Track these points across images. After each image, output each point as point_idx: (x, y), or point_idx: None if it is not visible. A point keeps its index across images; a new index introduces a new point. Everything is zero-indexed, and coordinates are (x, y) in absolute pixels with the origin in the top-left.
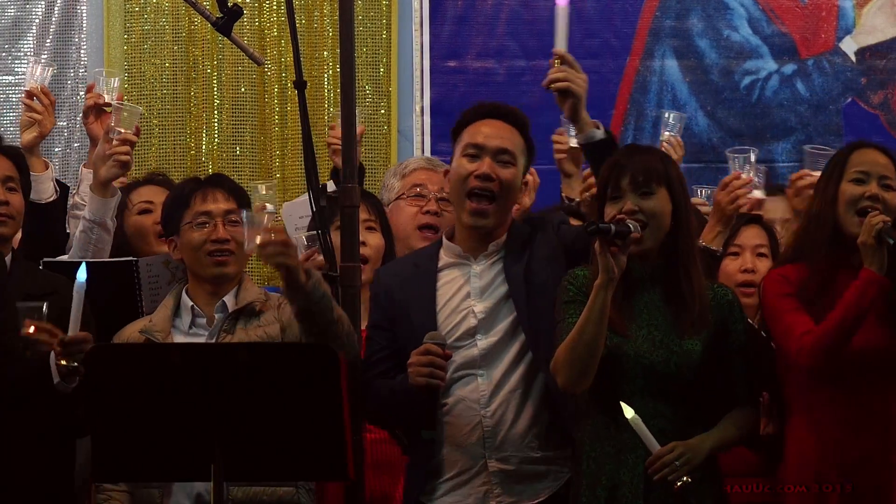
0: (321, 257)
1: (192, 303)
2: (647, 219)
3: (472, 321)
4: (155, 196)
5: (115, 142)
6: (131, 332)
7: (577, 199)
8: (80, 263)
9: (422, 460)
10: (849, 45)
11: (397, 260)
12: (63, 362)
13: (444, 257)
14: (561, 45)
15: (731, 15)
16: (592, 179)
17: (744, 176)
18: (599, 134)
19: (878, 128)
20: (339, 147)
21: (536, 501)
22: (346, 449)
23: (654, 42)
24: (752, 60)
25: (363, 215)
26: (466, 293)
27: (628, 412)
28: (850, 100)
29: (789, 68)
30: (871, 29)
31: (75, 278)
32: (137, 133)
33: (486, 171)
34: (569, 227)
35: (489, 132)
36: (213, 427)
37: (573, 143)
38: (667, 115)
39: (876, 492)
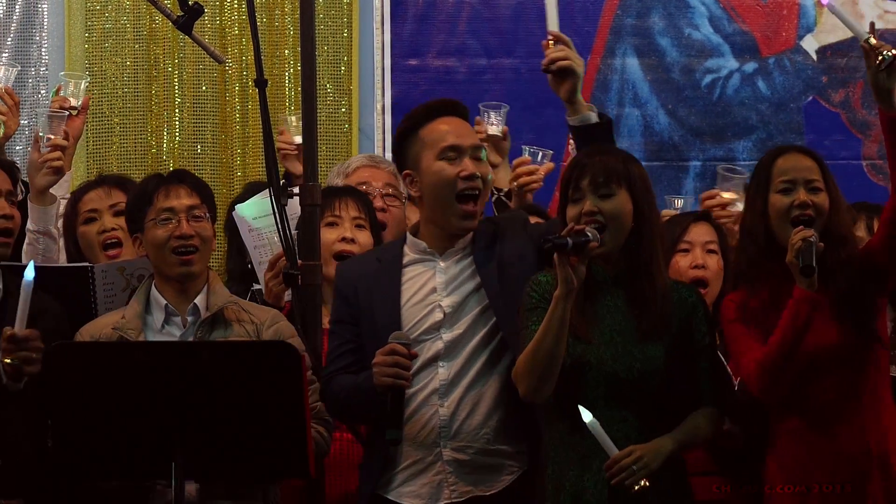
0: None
1: (164, 300)
2: (606, 220)
3: (438, 315)
4: (100, 202)
5: (45, 148)
6: (103, 328)
7: (506, 190)
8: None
9: (377, 453)
10: (810, 44)
11: (359, 255)
12: (7, 360)
13: (408, 253)
14: (553, 26)
15: (693, 13)
16: (521, 169)
17: (725, 195)
18: (594, 117)
19: (838, 126)
20: (290, 152)
21: (491, 492)
22: (307, 447)
23: (615, 40)
24: (713, 59)
25: (353, 213)
26: (432, 288)
27: (586, 416)
28: (810, 98)
29: (750, 66)
30: (832, 27)
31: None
32: (85, 108)
33: (473, 171)
34: (536, 226)
35: (463, 130)
36: (175, 425)
37: (492, 130)
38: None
39: (854, 486)
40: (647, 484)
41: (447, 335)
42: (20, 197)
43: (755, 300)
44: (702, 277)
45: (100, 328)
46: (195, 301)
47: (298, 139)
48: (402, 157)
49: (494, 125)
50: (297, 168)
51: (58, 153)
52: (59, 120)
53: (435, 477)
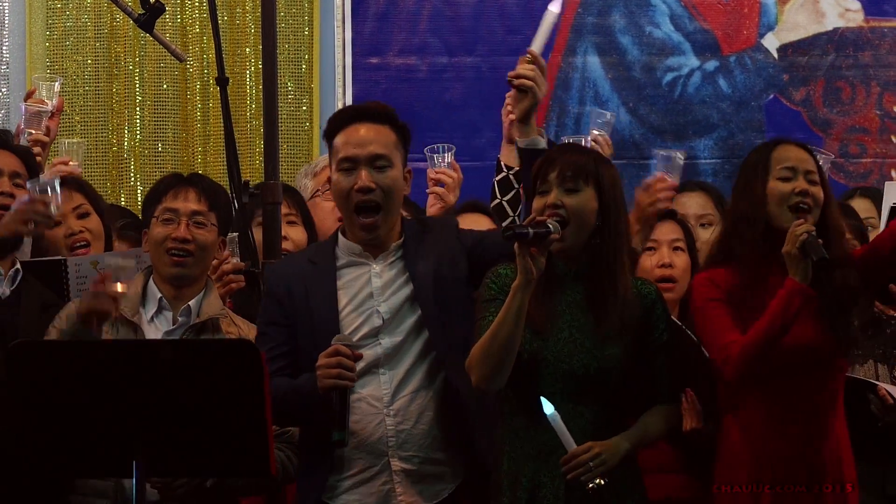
0: (235, 260)
1: (160, 294)
2: (568, 215)
3: (376, 321)
4: (64, 204)
5: (27, 142)
6: None
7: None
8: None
9: (320, 459)
10: (771, 42)
11: (290, 256)
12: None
13: (341, 255)
14: (537, 46)
15: (653, 12)
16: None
17: (668, 179)
18: (542, 143)
19: (800, 124)
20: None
21: (435, 502)
22: (267, 445)
23: (576, 39)
24: (674, 57)
25: (284, 209)
26: (369, 293)
27: (548, 408)
28: (772, 96)
29: (711, 65)
30: (793, 25)
31: None
32: (59, 109)
33: (365, 185)
34: (469, 232)
35: (360, 139)
36: (136, 423)
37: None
38: (599, 113)
39: (809, 489)
40: (603, 482)
41: (386, 341)
42: None
43: (739, 280)
44: (669, 276)
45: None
46: (190, 303)
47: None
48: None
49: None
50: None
51: (37, 148)
52: (38, 116)
53: (383, 486)
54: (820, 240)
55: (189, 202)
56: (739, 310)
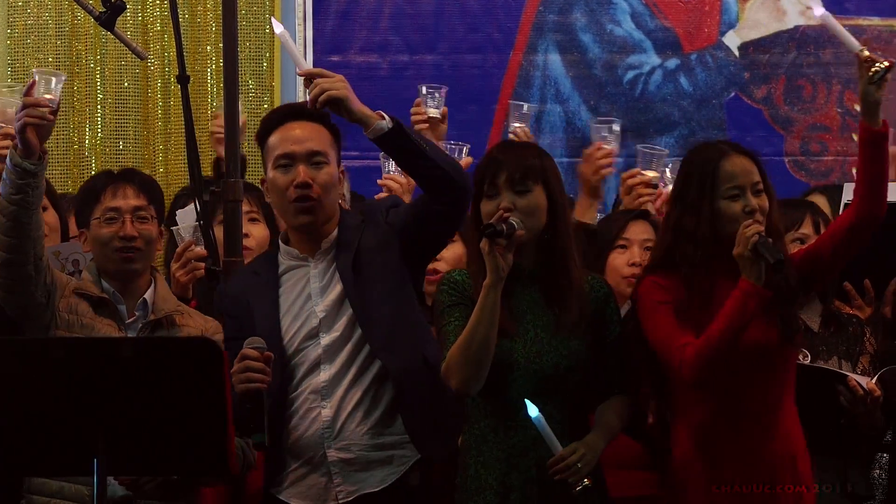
0: (199, 248)
1: (112, 289)
2: (522, 216)
3: (314, 322)
4: None
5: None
6: (65, 284)
7: None
8: None
9: (269, 453)
10: (732, 40)
11: (236, 273)
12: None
13: (283, 261)
14: (301, 66)
15: (614, 10)
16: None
17: (605, 146)
18: (386, 125)
19: (761, 122)
20: (222, 136)
21: (381, 487)
22: (227, 444)
23: (537, 36)
24: (635, 55)
25: (246, 207)
26: (308, 295)
27: (532, 411)
28: (733, 94)
29: (672, 63)
30: (754, 23)
31: None
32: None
33: (303, 180)
34: (397, 210)
35: (296, 137)
36: (97, 421)
37: (431, 112)
38: (517, 105)
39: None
40: (589, 483)
41: (325, 339)
42: None
43: (683, 290)
44: (639, 275)
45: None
46: (145, 297)
47: None
48: (263, 162)
49: (433, 107)
50: None
51: (7, 142)
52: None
53: (320, 479)
54: (769, 239)
55: (129, 199)
56: (686, 314)
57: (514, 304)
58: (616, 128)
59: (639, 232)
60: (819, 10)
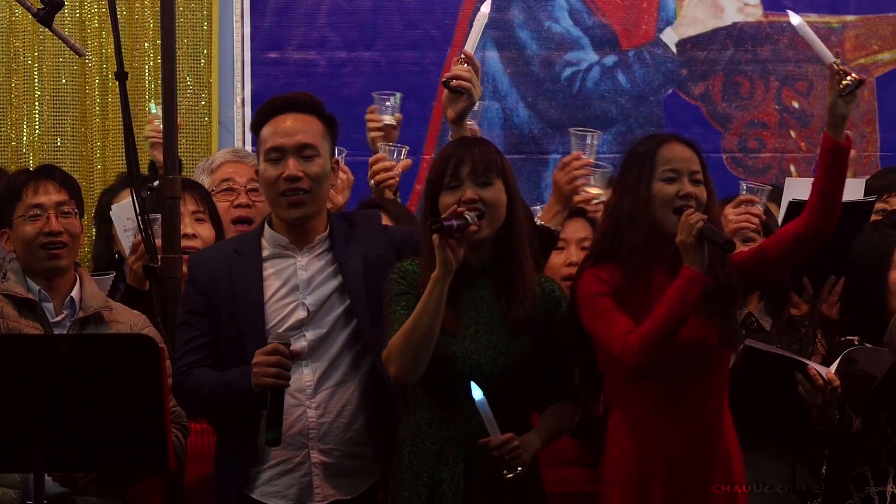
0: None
1: (38, 287)
2: (485, 208)
3: (301, 313)
4: None
5: None
6: None
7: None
8: None
9: (241, 451)
10: (669, 37)
11: (214, 246)
12: None
13: (267, 247)
14: (471, 47)
15: (552, 6)
16: (378, 166)
17: (584, 157)
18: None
19: (698, 119)
20: (159, 140)
21: (352, 496)
22: (166, 440)
23: None
24: (572, 52)
25: (192, 206)
26: (294, 285)
27: (477, 393)
28: (670, 91)
29: (610, 59)
30: (691, 20)
31: None
32: None
33: (292, 173)
34: (395, 229)
35: (287, 129)
36: (35, 418)
37: (386, 119)
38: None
39: (698, 484)
40: (521, 470)
41: (311, 334)
42: None
43: (621, 278)
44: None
45: None
46: (72, 295)
47: None
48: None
49: (388, 114)
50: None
51: None
52: None
53: (303, 478)
54: (712, 225)
55: (51, 195)
56: (626, 306)
57: (462, 299)
58: (594, 140)
59: (575, 230)
60: (796, 19)
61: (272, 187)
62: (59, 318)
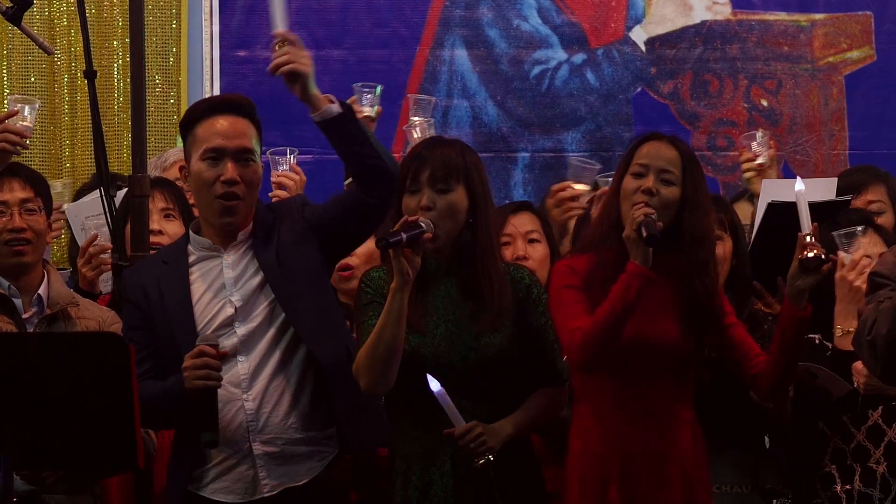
0: (104, 241)
1: (7, 283)
2: (440, 215)
3: (229, 310)
4: None
5: None
6: None
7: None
8: None
9: (187, 452)
10: (638, 35)
11: (143, 260)
12: None
13: (193, 251)
14: (280, 26)
15: (521, 5)
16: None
17: (576, 186)
18: (335, 108)
19: (667, 117)
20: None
21: (301, 483)
22: (135, 438)
23: (443, 32)
24: (541, 50)
25: (161, 204)
26: (221, 285)
27: (434, 385)
28: (639, 89)
29: (579, 58)
30: (660, 19)
31: None
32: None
33: (231, 177)
34: (312, 207)
35: (227, 131)
36: (3, 416)
37: (366, 111)
38: (420, 99)
39: (656, 481)
40: (491, 458)
41: (241, 329)
42: None
43: (597, 271)
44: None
45: None
46: (39, 292)
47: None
48: (185, 149)
49: (368, 105)
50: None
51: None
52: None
53: (247, 472)
54: (659, 223)
55: (16, 192)
56: (597, 298)
57: (429, 299)
58: (594, 169)
59: (520, 224)
60: (799, 185)
61: (208, 189)
62: (27, 315)
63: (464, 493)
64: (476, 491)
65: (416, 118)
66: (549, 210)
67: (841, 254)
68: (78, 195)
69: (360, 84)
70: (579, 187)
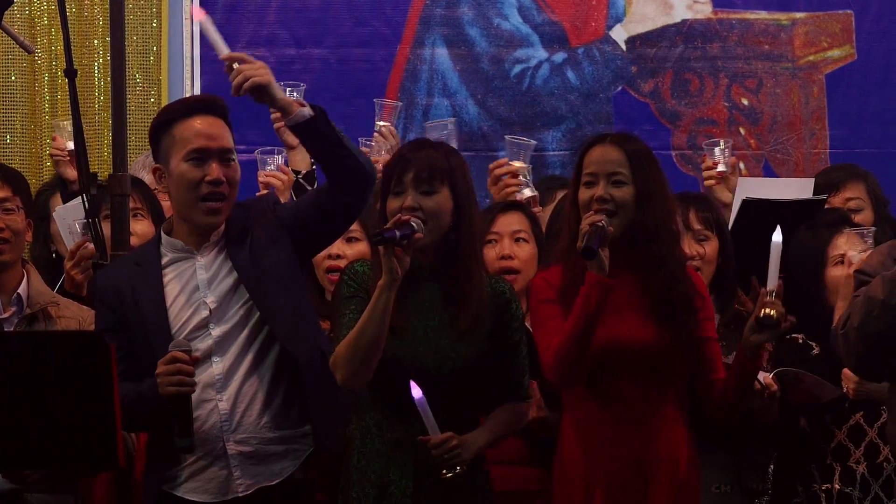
0: (92, 245)
1: None
2: (426, 217)
3: (204, 312)
4: None
5: None
6: None
7: (304, 172)
8: None
9: (160, 453)
10: (619, 34)
11: (115, 262)
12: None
13: (166, 253)
14: (223, 50)
15: (502, 4)
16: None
17: (512, 163)
18: (307, 111)
19: (647, 116)
20: (63, 158)
21: (276, 482)
22: (116, 437)
23: (424, 30)
24: (522, 49)
25: (130, 203)
26: (195, 286)
27: (416, 392)
28: (620, 88)
29: (559, 57)
30: (641, 17)
31: None
32: None
33: (217, 177)
34: (284, 206)
35: (208, 132)
36: None
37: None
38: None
39: (642, 485)
40: (459, 470)
41: (216, 331)
42: None
43: (568, 285)
44: (509, 267)
45: None
46: (18, 291)
47: (71, 145)
48: (156, 150)
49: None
50: (71, 174)
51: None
52: None
53: (220, 472)
54: (610, 227)
55: None
56: (569, 309)
57: (411, 302)
58: (529, 147)
59: (508, 224)
60: (777, 237)
61: (193, 189)
62: (6, 315)
63: (422, 495)
64: (435, 495)
65: (380, 122)
66: (489, 189)
67: (849, 253)
68: (40, 194)
69: (261, 150)
70: (517, 164)
